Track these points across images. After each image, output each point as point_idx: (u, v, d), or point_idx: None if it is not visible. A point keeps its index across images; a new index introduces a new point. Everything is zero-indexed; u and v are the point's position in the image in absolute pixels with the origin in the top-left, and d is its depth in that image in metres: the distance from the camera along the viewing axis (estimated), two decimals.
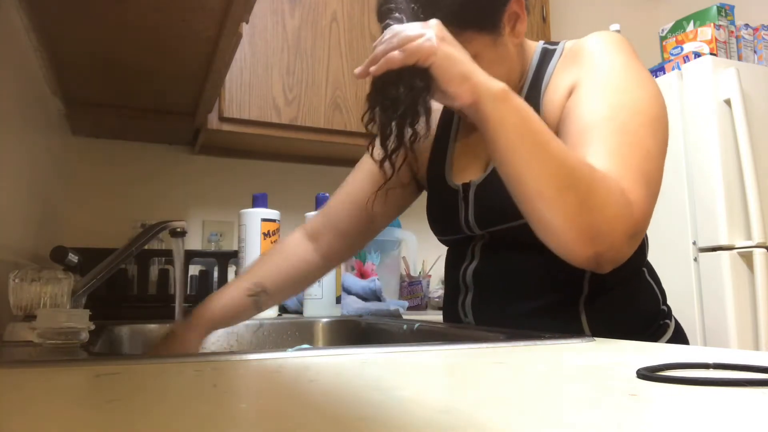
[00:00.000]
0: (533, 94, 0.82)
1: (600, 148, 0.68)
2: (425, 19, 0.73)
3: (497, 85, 0.65)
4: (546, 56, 0.85)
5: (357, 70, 0.69)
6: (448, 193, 0.89)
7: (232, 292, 0.92)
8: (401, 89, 0.67)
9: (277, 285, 0.93)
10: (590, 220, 0.64)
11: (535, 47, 0.87)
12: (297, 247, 0.98)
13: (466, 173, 0.88)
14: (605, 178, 0.65)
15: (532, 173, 0.65)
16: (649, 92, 0.74)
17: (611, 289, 0.79)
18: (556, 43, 0.86)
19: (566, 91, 0.78)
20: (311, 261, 0.97)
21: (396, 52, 0.65)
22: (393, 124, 0.69)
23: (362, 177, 0.96)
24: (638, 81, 0.74)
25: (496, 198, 0.82)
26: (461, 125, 0.94)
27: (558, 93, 0.79)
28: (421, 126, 0.70)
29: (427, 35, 0.65)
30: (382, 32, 0.70)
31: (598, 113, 0.71)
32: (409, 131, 0.70)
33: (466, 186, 0.86)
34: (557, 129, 0.76)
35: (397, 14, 0.73)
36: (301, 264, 0.96)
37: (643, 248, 0.84)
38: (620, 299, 0.80)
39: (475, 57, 0.77)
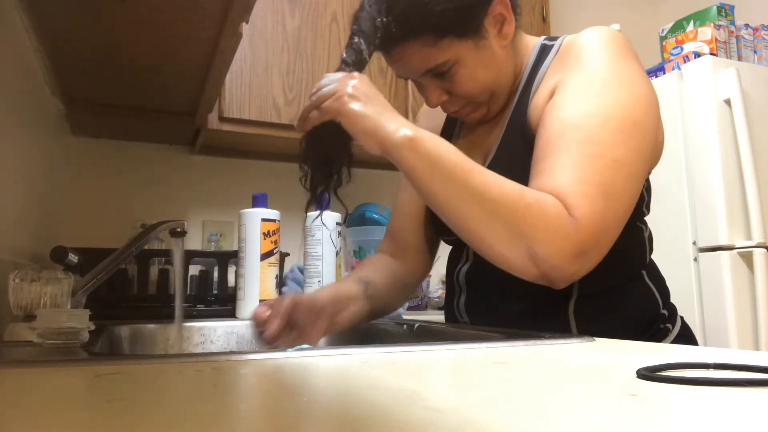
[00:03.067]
0: (525, 96, 0.81)
1: (559, 161, 0.68)
2: (398, 33, 0.76)
3: (403, 134, 0.68)
4: (543, 53, 0.83)
5: (295, 125, 0.76)
6: None
7: (340, 284, 0.93)
8: (325, 141, 0.73)
9: (381, 279, 0.92)
10: (522, 246, 0.65)
11: (534, 44, 0.85)
12: (384, 258, 0.98)
13: None
14: (538, 202, 0.65)
15: (451, 209, 0.69)
16: (633, 95, 0.71)
17: (602, 292, 0.77)
18: (556, 39, 0.84)
19: (549, 93, 0.77)
20: (400, 270, 0.97)
21: (314, 111, 0.72)
22: (318, 172, 0.75)
23: (411, 193, 0.98)
24: (621, 83, 0.72)
25: None
26: (462, 126, 0.94)
27: (542, 95, 0.78)
28: (344, 172, 0.76)
29: (337, 93, 0.70)
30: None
31: (566, 121, 0.70)
32: (334, 178, 0.75)
33: None
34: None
35: (346, 56, 0.76)
36: (394, 271, 0.96)
37: (642, 252, 0.83)
38: (611, 303, 0.79)
39: (457, 62, 0.78)
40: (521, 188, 0.67)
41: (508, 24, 0.80)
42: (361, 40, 0.75)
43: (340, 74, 0.73)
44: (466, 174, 0.67)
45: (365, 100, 0.70)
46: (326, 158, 0.75)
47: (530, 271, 0.67)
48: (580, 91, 0.72)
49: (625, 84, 0.72)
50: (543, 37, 0.87)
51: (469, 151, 0.90)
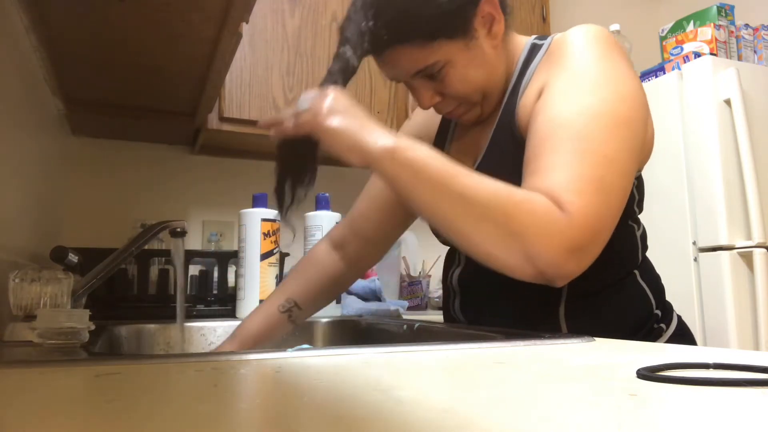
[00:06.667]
0: (514, 96, 0.81)
1: (551, 159, 0.68)
2: (388, 39, 0.76)
3: (382, 145, 0.67)
4: (532, 53, 0.83)
5: (260, 122, 0.77)
6: None
7: (267, 309, 0.96)
8: (295, 153, 0.75)
9: (308, 299, 0.97)
10: (516, 245, 0.64)
11: (525, 44, 0.85)
12: (324, 258, 1.00)
13: None
14: (527, 200, 0.65)
15: (439, 215, 0.68)
16: (620, 93, 0.71)
17: (593, 294, 0.77)
18: (546, 38, 0.83)
19: (537, 93, 0.77)
20: (339, 270, 0.99)
21: (289, 124, 0.72)
22: (286, 181, 0.76)
23: (382, 182, 0.97)
24: (608, 81, 0.72)
25: None
26: (456, 126, 0.94)
27: (530, 96, 0.78)
28: (307, 184, 0.77)
29: (314, 110, 0.70)
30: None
31: (556, 120, 0.70)
32: (300, 189, 0.76)
33: None
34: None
35: (332, 66, 0.76)
36: (330, 276, 0.99)
37: (634, 251, 0.82)
38: (602, 304, 0.78)
39: (448, 63, 0.78)
40: (509, 188, 0.66)
41: (497, 23, 0.80)
42: (347, 48, 0.75)
43: (314, 92, 0.72)
44: (451, 178, 0.66)
45: (343, 115, 0.69)
46: (294, 170, 0.76)
47: (526, 270, 0.66)
48: (568, 90, 0.72)
49: (611, 82, 0.72)
50: (534, 36, 0.86)
51: (461, 153, 0.90)
